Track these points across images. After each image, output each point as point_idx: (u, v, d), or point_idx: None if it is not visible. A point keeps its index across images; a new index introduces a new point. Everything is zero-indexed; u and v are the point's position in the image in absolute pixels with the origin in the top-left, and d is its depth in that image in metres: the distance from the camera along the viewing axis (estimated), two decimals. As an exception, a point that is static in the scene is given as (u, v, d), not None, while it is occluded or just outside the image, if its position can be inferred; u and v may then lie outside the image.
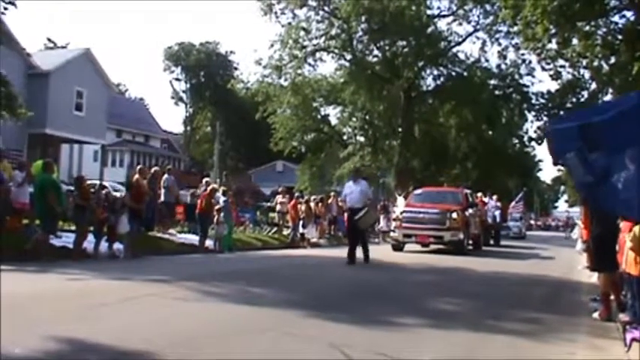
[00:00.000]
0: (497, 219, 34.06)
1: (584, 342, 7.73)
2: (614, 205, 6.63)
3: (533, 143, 49.03)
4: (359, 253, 17.32)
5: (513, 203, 44.69)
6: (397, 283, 13.77)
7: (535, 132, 44.54)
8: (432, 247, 23.73)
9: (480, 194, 32.61)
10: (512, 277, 16.16)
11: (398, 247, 24.03)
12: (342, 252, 17.88)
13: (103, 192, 18.63)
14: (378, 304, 9.99)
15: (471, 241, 26.06)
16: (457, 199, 26.03)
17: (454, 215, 23.14)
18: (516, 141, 54.87)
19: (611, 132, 6.14)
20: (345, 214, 20.62)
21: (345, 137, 53.98)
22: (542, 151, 67.79)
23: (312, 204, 27.88)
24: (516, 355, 6.99)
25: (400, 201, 30.05)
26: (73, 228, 17.06)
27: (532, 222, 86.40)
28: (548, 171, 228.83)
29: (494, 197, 35.12)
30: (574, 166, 6.64)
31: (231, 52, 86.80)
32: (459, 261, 19.22)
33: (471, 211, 25.83)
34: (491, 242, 32.11)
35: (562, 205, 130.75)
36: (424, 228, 23.15)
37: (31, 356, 5.81)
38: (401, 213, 24.61)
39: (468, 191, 29.34)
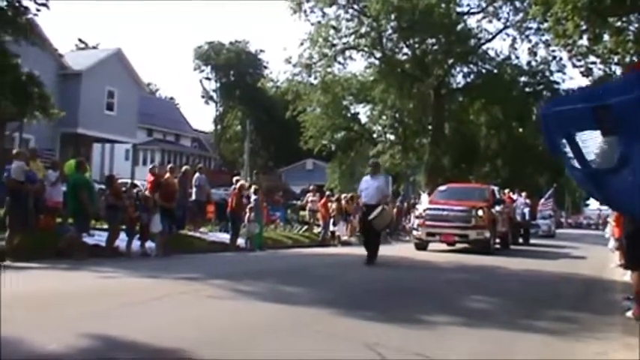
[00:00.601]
0: (527, 217, 33.07)
1: (618, 341, 7.63)
2: (632, 202, 5.64)
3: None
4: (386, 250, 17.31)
5: (542, 200, 42.80)
6: (429, 281, 13.72)
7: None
8: (459, 245, 23.13)
9: (507, 191, 31.93)
10: (544, 275, 16.04)
11: (421, 245, 23.14)
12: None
13: (135, 191, 18.78)
14: (410, 303, 9.97)
15: (498, 240, 24.98)
16: (483, 195, 24.80)
17: (480, 213, 22.25)
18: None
19: (635, 115, 5.28)
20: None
21: (375, 135, 53.94)
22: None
23: (342, 202, 27.86)
24: (549, 353, 6.93)
25: (424, 198, 29.47)
26: (106, 226, 17.23)
27: (563, 220, 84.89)
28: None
29: (524, 194, 34.13)
30: (569, 155, 5.83)
31: (260, 50, 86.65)
32: (489, 259, 19.13)
33: (498, 208, 24.89)
34: (520, 241, 31.38)
35: (594, 202, 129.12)
36: (448, 226, 22.31)
37: (65, 353, 5.87)
38: (424, 210, 23.74)
39: (495, 188, 28.42)
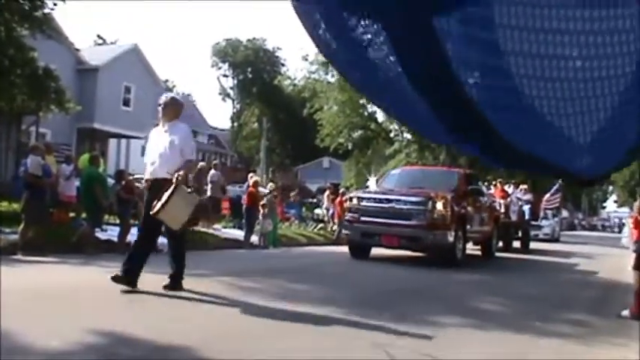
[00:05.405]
0: (526, 215, 26.51)
1: (636, 346, 7.46)
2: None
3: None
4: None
5: (547, 196, 31.50)
6: (440, 281, 13.59)
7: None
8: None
9: (499, 181, 27.13)
10: (559, 278, 15.89)
11: (359, 250, 17.35)
12: (391, 250, 17.24)
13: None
14: (420, 304, 9.86)
15: (477, 246, 20.19)
16: (450, 181, 18.10)
17: (439, 205, 15.72)
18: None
19: None
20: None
21: (391, 134, 53.72)
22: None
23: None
24: (565, 358, 6.77)
25: (372, 183, 23.86)
26: (118, 221, 17.18)
27: (576, 221, 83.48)
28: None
29: (522, 187, 27.83)
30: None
31: (278, 48, 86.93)
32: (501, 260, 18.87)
33: (481, 199, 19.36)
34: (517, 245, 25.58)
35: (610, 205, 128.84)
36: (392, 224, 15.98)
37: (67, 349, 5.76)
38: (358, 201, 17.21)
39: (484, 185, 23.01)
